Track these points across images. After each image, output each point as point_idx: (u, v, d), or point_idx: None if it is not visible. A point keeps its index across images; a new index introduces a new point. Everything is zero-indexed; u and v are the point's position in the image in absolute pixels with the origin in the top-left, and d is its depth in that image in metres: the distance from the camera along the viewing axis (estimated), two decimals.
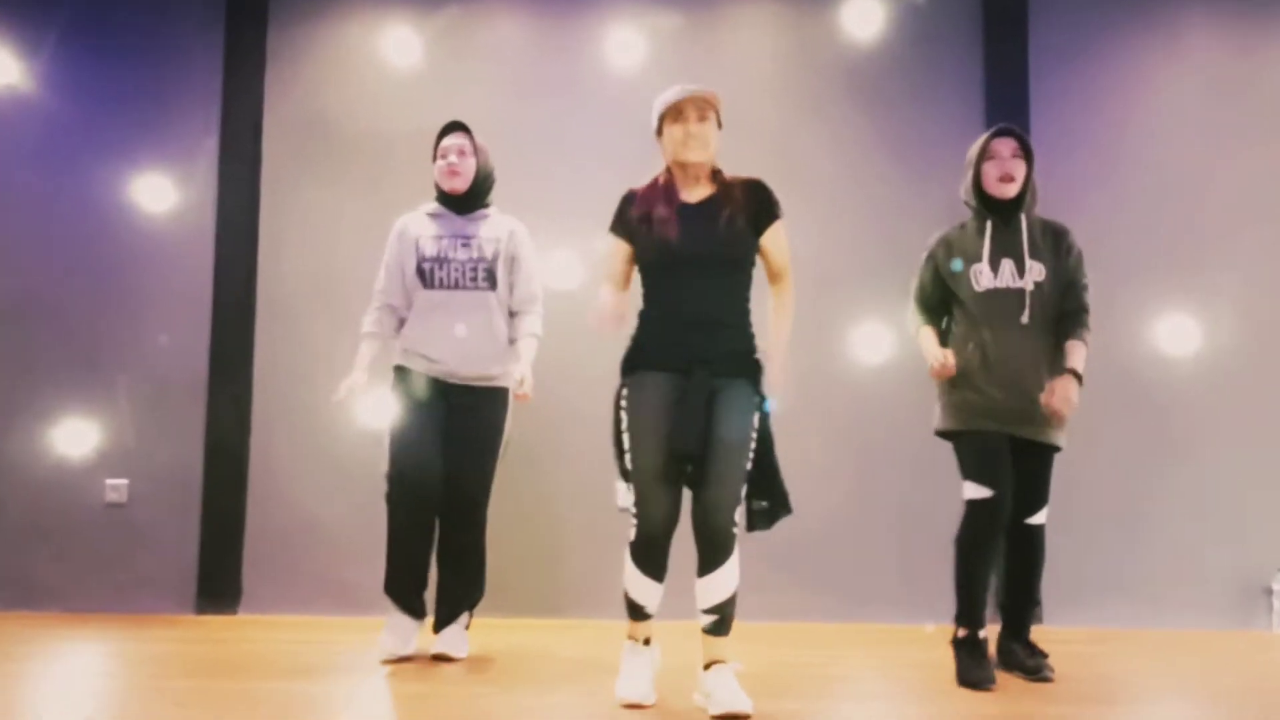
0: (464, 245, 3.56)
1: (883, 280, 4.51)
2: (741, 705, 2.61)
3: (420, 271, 3.56)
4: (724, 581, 2.71)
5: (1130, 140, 4.86)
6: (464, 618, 3.60)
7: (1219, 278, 4.74)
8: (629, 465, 2.78)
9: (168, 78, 4.99)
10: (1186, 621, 4.55)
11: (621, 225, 2.93)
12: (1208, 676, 3.33)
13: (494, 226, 3.63)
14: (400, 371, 3.58)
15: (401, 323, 3.64)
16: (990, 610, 3.27)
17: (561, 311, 4.69)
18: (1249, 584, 4.59)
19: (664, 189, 2.90)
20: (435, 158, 3.63)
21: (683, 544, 2.82)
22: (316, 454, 4.76)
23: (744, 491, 2.75)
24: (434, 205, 3.65)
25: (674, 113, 2.85)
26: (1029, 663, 3.23)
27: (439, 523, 3.54)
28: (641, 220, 2.86)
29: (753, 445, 2.77)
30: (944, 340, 3.35)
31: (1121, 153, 4.86)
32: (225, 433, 4.82)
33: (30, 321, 4.90)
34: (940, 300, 3.37)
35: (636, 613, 2.84)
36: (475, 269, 3.54)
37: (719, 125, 2.93)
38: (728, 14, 5.00)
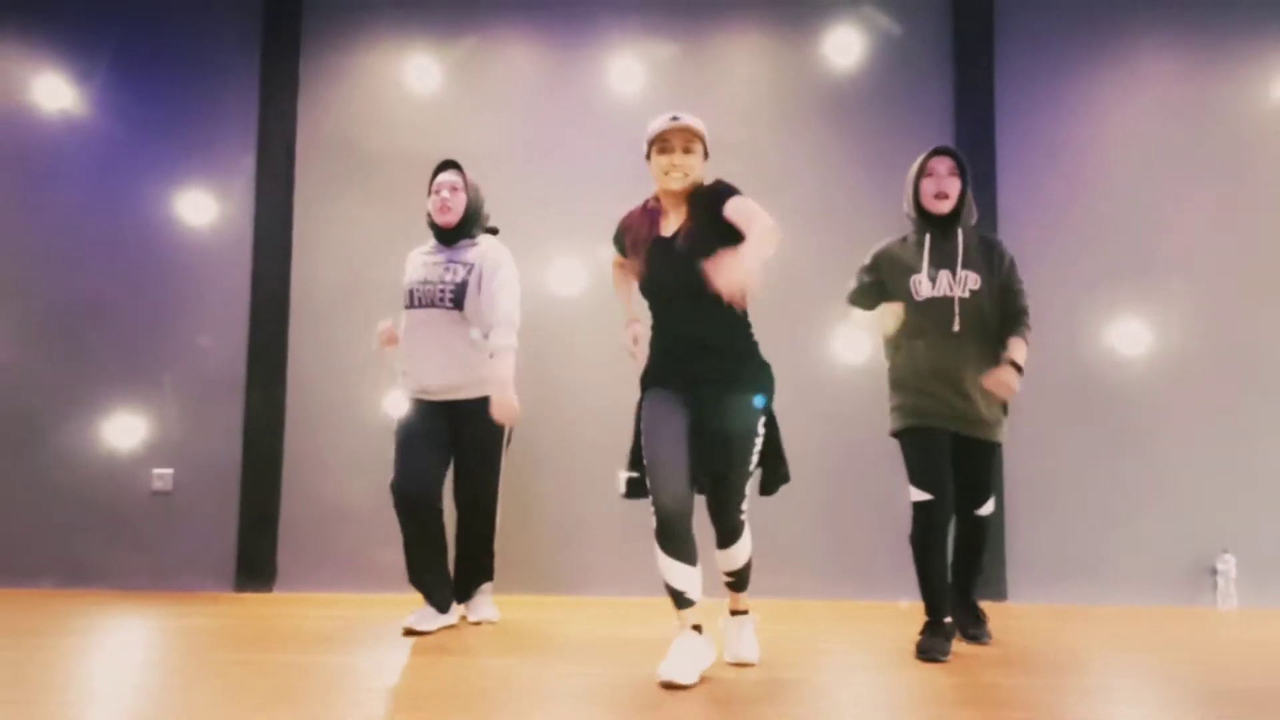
0: (443, 268, 3.58)
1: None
2: (749, 655, 2.92)
3: (408, 294, 3.63)
4: (738, 554, 2.85)
5: (1090, 158, 4.85)
6: (486, 587, 3.74)
7: (1170, 284, 4.72)
8: (644, 458, 2.74)
9: (209, 103, 5.00)
10: (1139, 598, 4.54)
11: (618, 244, 3.01)
12: (1156, 649, 3.34)
13: (474, 252, 3.61)
14: (408, 402, 3.64)
15: None
16: None
17: (568, 314, 4.70)
18: (1195, 564, 4.58)
19: (648, 218, 2.85)
20: (430, 192, 3.63)
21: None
22: (345, 445, 4.77)
23: (746, 489, 2.79)
24: (432, 242, 3.70)
25: (660, 142, 2.75)
26: (970, 629, 3.35)
27: (456, 514, 3.66)
28: (630, 251, 2.91)
29: (757, 445, 2.77)
30: (893, 347, 3.31)
31: (1081, 169, 4.85)
32: (261, 426, 4.82)
33: (84, 324, 4.90)
34: (872, 307, 3.35)
35: (679, 599, 2.72)
36: (443, 290, 3.54)
37: (705, 155, 2.81)
38: (719, 44, 5.00)
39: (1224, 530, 4.58)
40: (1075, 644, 3.42)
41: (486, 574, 3.75)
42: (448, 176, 3.61)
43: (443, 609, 3.55)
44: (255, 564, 4.75)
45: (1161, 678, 2.83)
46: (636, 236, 2.87)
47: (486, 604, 3.75)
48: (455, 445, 3.59)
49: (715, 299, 2.63)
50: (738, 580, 2.92)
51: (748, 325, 2.86)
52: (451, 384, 3.52)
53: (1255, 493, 4.61)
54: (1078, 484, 4.66)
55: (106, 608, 4.13)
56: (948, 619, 3.21)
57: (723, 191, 2.73)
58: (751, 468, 2.77)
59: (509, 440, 3.68)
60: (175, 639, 3.36)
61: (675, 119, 2.74)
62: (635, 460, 2.84)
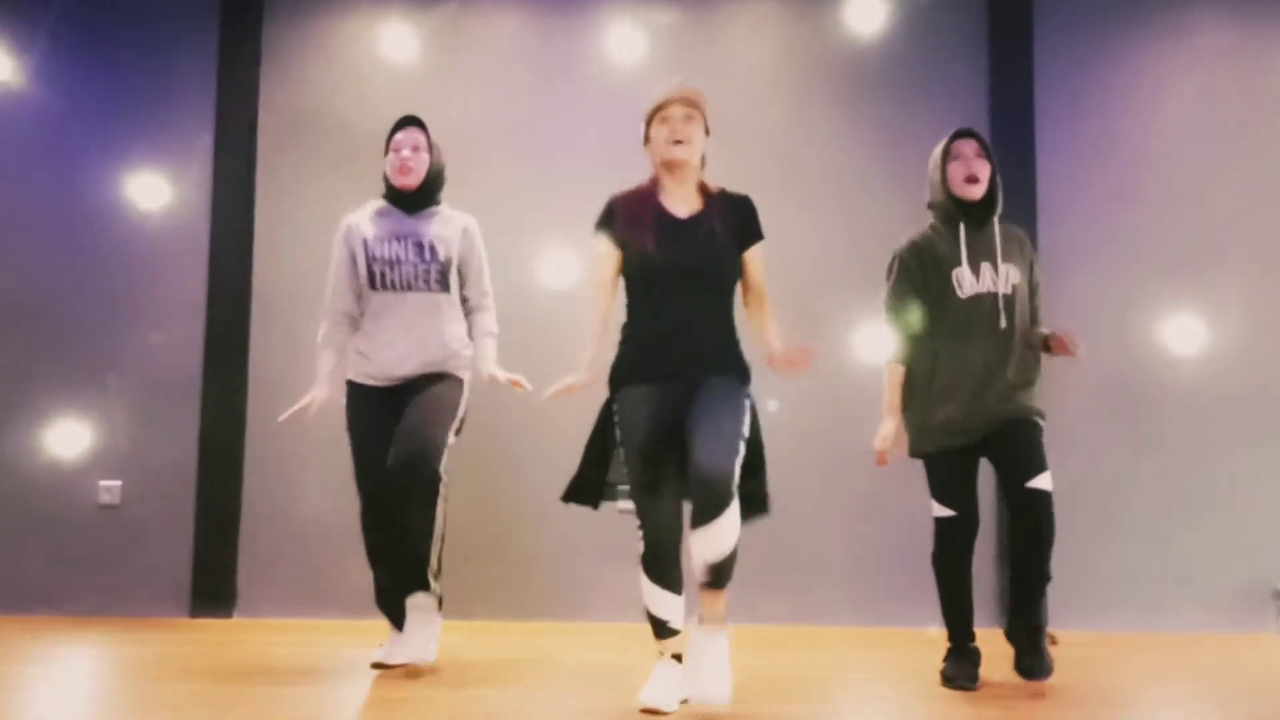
0: (415, 246, 3.44)
1: (884, 280, 4.50)
2: (718, 689, 2.54)
3: (370, 274, 3.43)
4: (722, 534, 2.55)
5: (1136, 140, 4.87)
6: (421, 600, 3.33)
7: (1226, 278, 4.76)
8: (628, 478, 2.81)
9: (161, 74, 5.02)
10: (1192, 625, 4.56)
11: (607, 227, 2.93)
12: (1212, 680, 3.34)
13: (445, 224, 3.50)
14: (350, 386, 3.50)
15: (355, 327, 3.54)
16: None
17: (558, 311, 4.69)
18: (1255, 587, 4.59)
19: (647, 197, 2.91)
20: (387, 151, 3.49)
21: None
22: (311, 455, 4.75)
23: (741, 444, 2.66)
24: (381, 203, 3.53)
25: (660, 114, 2.88)
26: (1024, 660, 3.08)
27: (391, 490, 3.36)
28: (625, 229, 2.87)
29: (745, 422, 2.74)
30: (925, 355, 3.26)
31: (1127, 153, 4.86)
32: (219, 433, 4.83)
33: (22, 320, 4.91)
34: (918, 308, 3.27)
35: (660, 628, 2.82)
36: (429, 271, 3.42)
37: (706, 130, 2.93)
38: (727, 10, 5.01)
39: None
40: (1122, 674, 3.42)
41: (419, 577, 3.31)
42: (409, 135, 3.47)
43: None
44: (213, 586, 4.74)
45: (1217, 711, 2.82)
46: (636, 212, 2.89)
47: (420, 629, 3.26)
48: (399, 418, 3.37)
49: (715, 291, 2.86)
50: (717, 576, 2.59)
51: (735, 326, 2.93)
52: (413, 372, 3.43)
53: None
54: (1123, 497, 4.67)
55: (49, 635, 4.12)
56: (973, 644, 3.23)
57: (754, 222, 2.94)
58: (744, 429, 2.71)
59: (461, 423, 3.52)
60: (125, 669, 3.36)
61: (673, 88, 2.89)
62: (590, 461, 2.89)
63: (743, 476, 2.71)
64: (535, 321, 4.59)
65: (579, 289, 4.74)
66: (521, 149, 4.92)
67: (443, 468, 3.36)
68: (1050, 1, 4.93)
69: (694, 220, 2.87)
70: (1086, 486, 4.64)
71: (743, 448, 2.69)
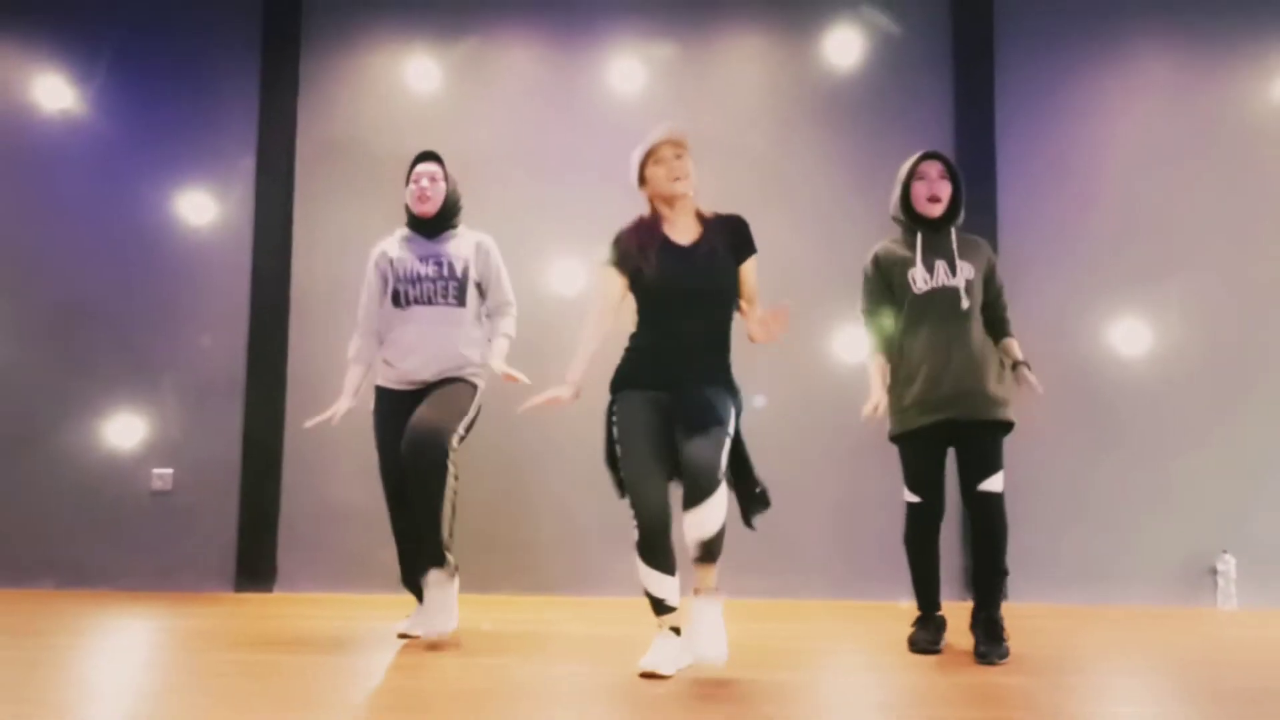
0: (436, 264, 3.50)
1: (858, 287, 4.53)
2: (716, 651, 2.63)
3: (395, 293, 3.50)
4: (708, 516, 2.64)
5: (1090, 160, 4.89)
6: (436, 576, 3.27)
7: (1171, 285, 4.77)
8: (622, 471, 2.87)
9: (208, 103, 5.05)
10: (1139, 599, 4.59)
11: (617, 261, 2.98)
12: (1157, 649, 3.37)
13: (461, 244, 3.57)
14: (378, 390, 3.56)
15: (382, 342, 3.58)
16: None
17: (567, 314, 4.71)
18: (1195, 564, 4.62)
19: (653, 227, 2.98)
20: (408, 182, 3.57)
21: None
22: (344, 446, 4.77)
23: (726, 442, 2.75)
24: (406, 231, 3.61)
25: (653, 156, 2.97)
26: (980, 647, 3.10)
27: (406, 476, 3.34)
28: (636, 258, 2.94)
29: (731, 420, 2.82)
30: (896, 347, 3.32)
31: (1082, 172, 4.89)
32: (261, 427, 4.86)
33: (84, 325, 4.94)
34: (889, 308, 3.32)
35: (659, 606, 2.88)
36: (446, 286, 3.48)
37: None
38: (719, 45, 5.03)
39: (1223, 530, 4.62)
40: (1076, 644, 3.44)
41: (434, 553, 3.27)
42: (427, 167, 3.55)
43: None
44: (255, 564, 4.77)
45: (1162, 678, 2.85)
46: (643, 242, 2.96)
47: (438, 606, 3.25)
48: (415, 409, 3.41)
49: (716, 307, 2.94)
50: (707, 551, 2.68)
51: (729, 348, 3.00)
52: (432, 377, 3.47)
53: (1255, 493, 4.66)
54: (1078, 484, 4.70)
55: (106, 608, 4.16)
56: (939, 613, 3.32)
57: (747, 237, 3.01)
58: (730, 428, 2.80)
59: (471, 423, 3.51)
60: (175, 639, 3.38)
61: (660, 132, 2.97)
62: (613, 460, 2.95)
63: (740, 482, 2.88)
64: (544, 323, 4.61)
65: (584, 294, 4.77)
66: (534, 170, 4.94)
67: (451, 447, 3.31)
68: (1010, 32, 4.95)
69: (695, 245, 2.96)
70: (1047, 476, 4.68)
71: (728, 443, 2.79)
